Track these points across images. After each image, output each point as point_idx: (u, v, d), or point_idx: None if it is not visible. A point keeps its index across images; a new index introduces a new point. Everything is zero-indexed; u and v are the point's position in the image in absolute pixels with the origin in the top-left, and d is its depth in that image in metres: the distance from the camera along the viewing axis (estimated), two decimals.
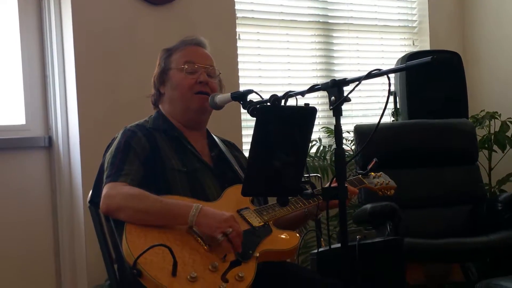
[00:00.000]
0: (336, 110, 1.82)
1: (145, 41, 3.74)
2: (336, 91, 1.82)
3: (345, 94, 1.83)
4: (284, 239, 2.23)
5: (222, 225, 2.06)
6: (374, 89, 4.92)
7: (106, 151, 2.33)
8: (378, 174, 2.55)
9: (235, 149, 2.57)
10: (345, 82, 1.82)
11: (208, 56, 2.44)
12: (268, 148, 1.79)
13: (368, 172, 2.50)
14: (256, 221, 2.23)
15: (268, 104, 1.93)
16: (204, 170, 2.34)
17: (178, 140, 2.36)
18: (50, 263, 3.65)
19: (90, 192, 2.34)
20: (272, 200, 2.26)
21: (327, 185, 1.88)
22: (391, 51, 5.10)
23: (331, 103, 1.83)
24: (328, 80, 1.88)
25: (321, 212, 2.33)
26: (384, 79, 1.80)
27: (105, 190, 2.17)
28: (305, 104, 1.86)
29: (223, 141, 2.53)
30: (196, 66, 2.37)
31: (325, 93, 1.84)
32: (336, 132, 1.83)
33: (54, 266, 3.66)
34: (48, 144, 3.62)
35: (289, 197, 2.23)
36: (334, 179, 1.85)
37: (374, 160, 2.47)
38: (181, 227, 2.10)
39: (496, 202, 3.90)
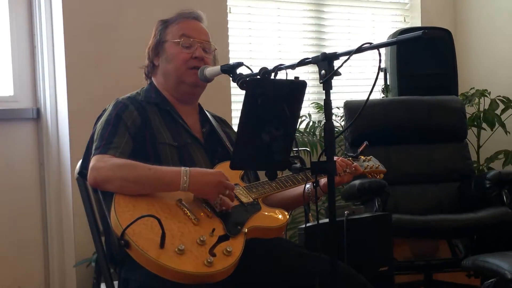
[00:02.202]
0: (326, 84, 1.80)
1: (135, 13, 3.70)
2: (326, 64, 1.81)
3: (335, 68, 1.81)
4: (273, 216, 2.23)
5: (217, 190, 2.11)
6: (365, 65, 4.91)
7: (96, 122, 2.30)
8: (368, 158, 2.55)
9: (226, 125, 2.56)
10: (336, 56, 1.81)
11: (205, 31, 2.41)
12: (257, 121, 1.79)
13: (358, 155, 2.50)
14: (245, 198, 2.23)
15: (258, 77, 1.91)
16: (194, 145, 2.33)
17: (170, 114, 2.35)
18: (37, 236, 3.64)
19: (79, 163, 2.33)
20: (263, 178, 2.26)
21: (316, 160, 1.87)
22: (382, 27, 5.08)
23: (321, 77, 1.82)
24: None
25: (323, 194, 2.33)
26: (374, 55, 1.80)
27: (92, 162, 2.15)
28: (295, 77, 1.85)
29: (215, 116, 2.52)
30: (192, 41, 2.35)
31: (315, 69, 1.83)
32: (326, 106, 1.82)
33: (42, 239, 3.65)
34: (36, 116, 3.59)
35: (279, 175, 2.24)
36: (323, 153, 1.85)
37: (365, 143, 2.47)
38: (169, 200, 2.10)
39: (484, 179, 3.91)
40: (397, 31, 4.71)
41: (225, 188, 2.11)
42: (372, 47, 1.77)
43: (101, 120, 2.28)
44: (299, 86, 1.84)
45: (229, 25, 4.17)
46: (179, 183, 2.08)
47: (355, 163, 2.43)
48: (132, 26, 3.68)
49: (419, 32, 1.68)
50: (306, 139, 4.41)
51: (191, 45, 2.35)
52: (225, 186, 2.12)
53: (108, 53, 3.65)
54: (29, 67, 3.59)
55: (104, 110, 2.33)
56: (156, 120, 2.30)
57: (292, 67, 1.93)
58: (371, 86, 1.79)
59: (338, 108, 4.48)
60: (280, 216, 2.23)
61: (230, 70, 2.14)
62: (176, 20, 2.41)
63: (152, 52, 2.40)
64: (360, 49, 1.78)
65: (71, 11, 3.52)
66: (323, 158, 1.82)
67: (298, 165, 1.85)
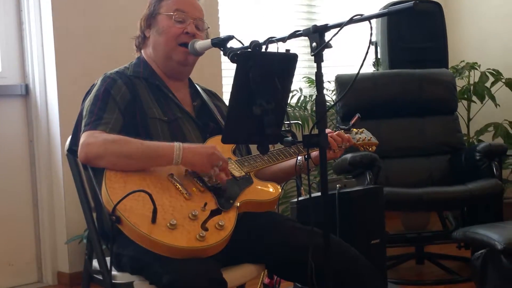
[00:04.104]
0: (318, 56, 1.79)
1: None
2: (318, 37, 1.79)
3: (326, 40, 1.80)
4: (265, 190, 2.23)
5: (210, 161, 2.08)
6: (355, 39, 4.88)
7: (85, 98, 2.28)
8: (360, 130, 2.55)
9: (217, 98, 2.53)
10: (327, 27, 1.80)
11: (199, 8, 2.38)
12: (248, 95, 1.78)
13: (350, 127, 2.49)
14: (237, 172, 2.22)
15: (249, 50, 1.90)
16: (185, 120, 2.31)
17: (159, 88, 2.32)
18: (28, 213, 3.63)
19: (68, 139, 2.31)
20: (254, 152, 2.25)
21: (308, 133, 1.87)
22: (373, 1, 5.05)
23: (312, 49, 1.80)
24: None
25: (314, 166, 2.33)
26: (365, 29, 1.78)
27: (82, 138, 2.13)
28: (286, 50, 1.84)
29: (205, 90, 2.50)
30: (185, 16, 2.32)
31: (306, 43, 1.82)
32: (317, 79, 1.81)
33: (33, 216, 3.65)
34: (25, 92, 3.57)
35: (271, 149, 2.23)
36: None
37: (357, 115, 2.46)
38: (161, 174, 2.09)
39: (474, 151, 3.92)
40: (387, 4, 4.69)
41: (218, 160, 2.09)
42: (363, 18, 1.76)
43: (89, 96, 2.25)
44: (290, 59, 1.83)
45: (218, 0, 4.14)
46: (172, 156, 2.07)
47: (347, 135, 2.42)
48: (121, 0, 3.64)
49: (410, 3, 1.67)
50: (297, 114, 4.40)
51: (184, 20, 2.32)
52: (218, 158, 2.10)
53: (97, 27, 3.62)
54: (17, 43, 3.56)
55: (93, 86, 2.30)
56: (146, 95, 2.28)
57: (283, 40, 1.91)
58: (362, 60, 1.78)
59: (329, 82, 4.46)
60: (272, 190, 2.23)
61: (220, 43, 2.11)
62: None
63: (144, 23, 2.36)
64: (351, 21, 1.76)
65: None
66: (315, 132, 1.81)
67: (290, 138, 1.84)
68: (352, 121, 2.47)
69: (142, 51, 2.40)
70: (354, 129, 2.52)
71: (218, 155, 2.10)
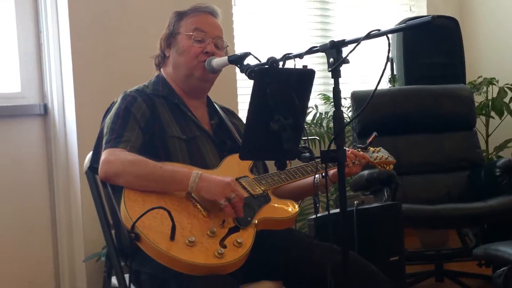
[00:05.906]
0: (335, 72, 1.79)
1: (140, 5, 3.70)
2: (335, 52, 1.80)
3: (343, 56, 1.80)
4: (283, 208, 2.22)
5: (224, 190, 2.06)
6: (370, 55, 4.89)
7: (105, 115, 2.29)
8: (377, 149, 2.54)
9: (234, 116, 2.54)
10: (344, 43, 1.80)
11: (218, 27, 2.40)
12: (266, 111, 1.78)
13: (367, 146, 2.49)
14: (255, 190, 2.22)
15: (266, 66, 1.90)
16: (203, 138, 2.32)
17: (178, 106, 2.33)
18: (47, 232, 3.64)
19: (88, 156, 2.32)
20: (272, 170, 2.25)
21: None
22: (388, 17, 5.05)
23: (329, 65, 1.80)
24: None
25: (332, 184, 2.32)
26: (379, 45, 1.78)
27: (103, 156, 2.14)
28: (303, 66, 1.84)
29: (223, 108, 2.51)
30: (204, 35, 2.33)
31: (321, 59, 1.82)
32: (335, 95, 1.81)
33: (51, 235, 3.65)
34: (43, 112, 3.59)
35: (288, 167, 2.22)
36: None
37: (374, 134, 2.46)
38: (179, 193, 2.08)
39: (494, 167, 3.89)
40: (403, 19, 4.69)
41: (231, 192, 2.06)
42: (381, 33, 1.76)
43: (110, 114, 2.26)
44: (307, 75, 1.84)
45: (233, 18, 4.15)
46: (187, 183, 2.06)
47: (363, 153, 2.42)
48: (137, 19, 3.67)
49: (429, 17, 1.67)
50: (313, 131, 4.39)
51: (203, 39, 2.33)
52: (232, 190, 2.07)
53: (114, 47, 3.64)
54: (36, 64, 3.59)
55: (113, 104, 2.32)
56: (165, 113, 2.29)
57: (300, 56, 1.92)
58: (380, 75, 1.78)
59: (345, 98, 4.45)
60: (290, 208, 2.23)
61: (237, 60, 2.12)
62: (191, 13, 2.39)
63: (164, 42, 2.38)
64: (369, 36, 1.76)
65: (76, 6, 3.51)
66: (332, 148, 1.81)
67: (307, 154, 1.84)
68: (369, 140, 2.47)
69: (162, 69, 2.41)
70: (371, 148, 2.52)
71: (233, 187, 2.08)
